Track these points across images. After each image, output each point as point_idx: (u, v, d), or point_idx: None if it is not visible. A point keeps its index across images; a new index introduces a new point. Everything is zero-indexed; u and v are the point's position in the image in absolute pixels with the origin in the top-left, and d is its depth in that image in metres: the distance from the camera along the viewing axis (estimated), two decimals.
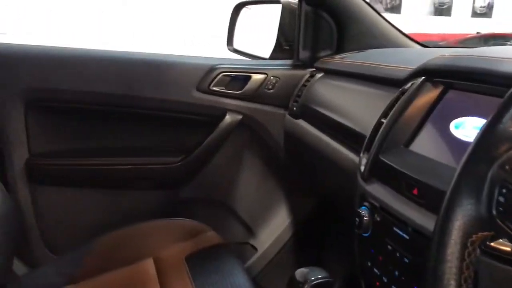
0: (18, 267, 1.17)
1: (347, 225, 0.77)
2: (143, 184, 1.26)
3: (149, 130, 1.27)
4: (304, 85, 1.19)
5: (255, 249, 1.38)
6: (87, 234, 1.15)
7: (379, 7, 5.89)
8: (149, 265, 0.97)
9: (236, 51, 1.47)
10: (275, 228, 1.38)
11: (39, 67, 1.16)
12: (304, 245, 1.39)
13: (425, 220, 0.56)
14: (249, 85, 1.23)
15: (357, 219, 0.69)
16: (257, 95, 1.24)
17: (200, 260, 0.98)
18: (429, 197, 0.57)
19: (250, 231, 1.38)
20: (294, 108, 1.18)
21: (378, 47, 1.18)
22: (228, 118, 1.24)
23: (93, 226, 1.23)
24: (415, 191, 0.60)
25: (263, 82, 1.23)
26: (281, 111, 1.25)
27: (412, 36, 1.23)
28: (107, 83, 1.18)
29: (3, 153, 1.16)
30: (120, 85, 1.19)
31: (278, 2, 1.31)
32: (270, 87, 1.24)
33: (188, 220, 1.10)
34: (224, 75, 1.22)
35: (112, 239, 1.05)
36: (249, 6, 1.44)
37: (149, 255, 0.99)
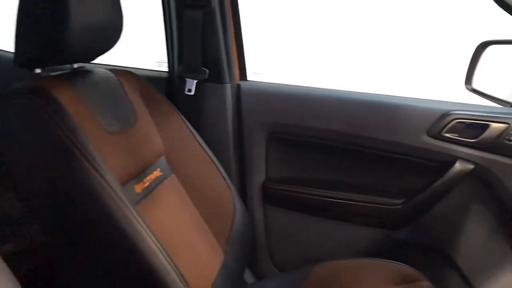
0: (247, 276, 1.35)
1: None
2: (362, 221, 1.30)
3: (372, 169, 1.30)
4: None
5: None
6: (308, 258, 1.26)
7: None
8: None
9: (475, 91, 1.39)
10: None
11: (281, 103, 1.32)
12: None
13: None
14: (486, 134, 1.15)
15: None
16: (494, 146, 1.15)
17: None
18: None
19: (470, 286, 1.29)
20: None
21: None
22: (458, 166, 1.18)
23: (314, 251, 1.34)
24: None
25: (503, 132, 1.14)
26: None
27: None
28: (339, 121, 1.27)
29: (246, 175, 1.36)
30: (350, 124, 1.26)
31: None
32: None
33: (404, 265, 1.10)
34: (459, 122, 1.17)
35: (329, 269, 1.13)
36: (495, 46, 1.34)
37: None
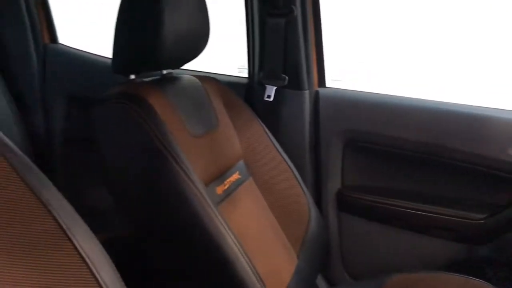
0: (320, 282, 1.35)
1: None
2: (440, 234, 1.26)
3: (454, 181, 1.26)
4: None
5: None
6: (382, 268, 1.25)
7: None
8: None
9: None
10: None
11: (360, 111, 1.32)
12: None
13: None
14: None
15: None
16: None
17: None
18: None
19: None
20: None
21: None
22: None
23: (388, 262, 1.32)
24: None
25: None
26: None
27: None
28: (417, 131, 1.24)
29: (321, 181, 1.37)
30: (430, 134, 1.23)
31: None
32: None
33: (483, 282, 1.06)
34: None
35: (404, 280, 1.11)
36: None
37: None
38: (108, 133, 0.92)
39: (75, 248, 0.53)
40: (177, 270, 0.93)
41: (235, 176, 1.09)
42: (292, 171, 1.21)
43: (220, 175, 1.04)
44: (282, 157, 1.21)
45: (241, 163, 1.14)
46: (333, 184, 1.36)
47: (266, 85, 1.33)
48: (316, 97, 1.35)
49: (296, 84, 1.33)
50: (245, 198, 1.10)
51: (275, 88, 1.32)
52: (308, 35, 1.30)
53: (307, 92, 1.33)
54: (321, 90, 1.36)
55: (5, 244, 0.50)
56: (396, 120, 1.28)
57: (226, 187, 1.04)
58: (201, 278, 0.91)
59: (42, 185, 0.56)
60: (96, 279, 0.53)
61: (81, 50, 1.64)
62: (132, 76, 1.00)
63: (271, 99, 1.33)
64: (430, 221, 1.25)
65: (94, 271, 0.53)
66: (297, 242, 1.15)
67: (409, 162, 1.29)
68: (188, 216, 0.86)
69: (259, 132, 1.21)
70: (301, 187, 1.21)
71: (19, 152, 0.56)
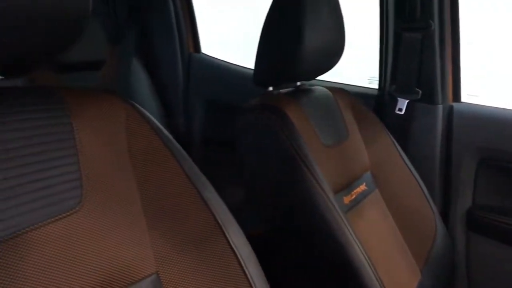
0: None
1: None
2: None
3: None
4: None
5: None
6: None
7: None
8: None
9: None
10: None
11: (497, 128, 1.25)
12: None
13: None
14: None
15: None
16: None
17: None
18: None
19: None
20: None
21: None
22: None
23: None
24: None
25: None
26: None
27: None
28: None
29: (450, 198, 1.33)
30: None
31: None
32: None
33: None
34: None
35: None
36: None
37: None
38: (249, 140, 1.01)
39: (228, 243, 0.61)
40: (304, 273, 0.98)
41: (362, 187, 1.12)
42: (420, 186, 1.20)
43: (347, 186, 1.07)
44: (411, 171, 1.20)
45: (368, 174, 1.16)
46: (463, 203, 1.31)
47: (397, 98, 1.33)
48: (450, 112, 1.31)
49: (429, 98, 1.30)
50: (370, 210, 1.12)
51: (407, 101, 1.32)
52: (445, 49, 1.27)
53: (440, 106, 1.31)
54: (455, 105, 1.32)
55: (174, 238, 0.59)
56: None
57: (352, 197, 1.07)
58: (326, 283, 0.95)
59: (204, 185, 0.65)
60: (245, 273, 0.60)
61: (221, 60, 1.78)
62: (270, 88, 1.08)
63: (403, 112, 1.32)
64: None
65: (243, 265, 0.61)
66: (421, 257, 1.14)
67: None
68: (318, 223, 0.91)
69: (388, 145, 1.21)
70: (429, 202, 1.19)
71: (187, 156, 0.66)
